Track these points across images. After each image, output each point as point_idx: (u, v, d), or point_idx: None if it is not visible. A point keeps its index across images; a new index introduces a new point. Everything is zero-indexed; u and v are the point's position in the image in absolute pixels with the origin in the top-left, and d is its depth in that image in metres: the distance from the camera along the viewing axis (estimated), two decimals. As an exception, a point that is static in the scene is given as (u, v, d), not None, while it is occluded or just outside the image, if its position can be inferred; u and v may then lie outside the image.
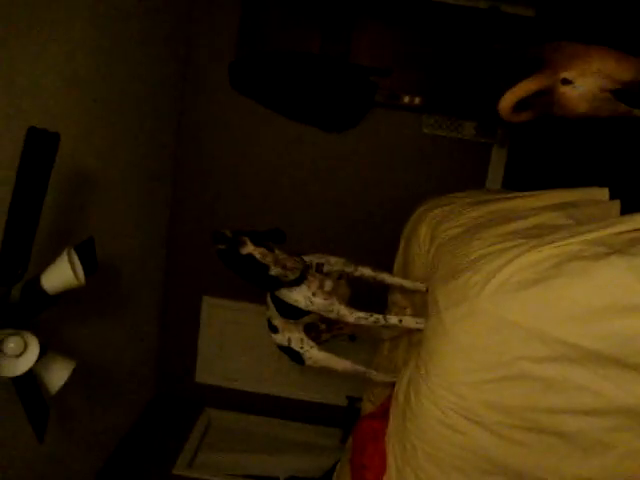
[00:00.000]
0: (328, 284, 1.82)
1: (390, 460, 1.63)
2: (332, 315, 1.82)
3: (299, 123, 3.24)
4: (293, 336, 1.99)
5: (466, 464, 1.39)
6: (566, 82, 1.67)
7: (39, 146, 1.46)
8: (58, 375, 1.68)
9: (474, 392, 1.33)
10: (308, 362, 2.03)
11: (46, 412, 1.73)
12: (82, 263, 1.63)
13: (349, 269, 1.91)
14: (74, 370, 1.72)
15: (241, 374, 3.54)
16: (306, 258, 1.82)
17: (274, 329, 2.00)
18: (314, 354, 2.02)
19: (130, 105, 2.58)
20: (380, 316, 1.86)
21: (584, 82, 1.65)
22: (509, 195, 2.01)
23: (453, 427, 1.38)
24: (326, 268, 1.86)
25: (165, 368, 3.58)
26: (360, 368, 2.10)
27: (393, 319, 1.88)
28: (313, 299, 1.77)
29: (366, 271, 1.95)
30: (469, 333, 1.35)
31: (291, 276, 1.73)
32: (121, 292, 2.83)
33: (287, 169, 3.33)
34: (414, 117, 3.23)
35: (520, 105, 1.82)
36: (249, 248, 1.62)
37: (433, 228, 2.01)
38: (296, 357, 2.04)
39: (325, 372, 2.16)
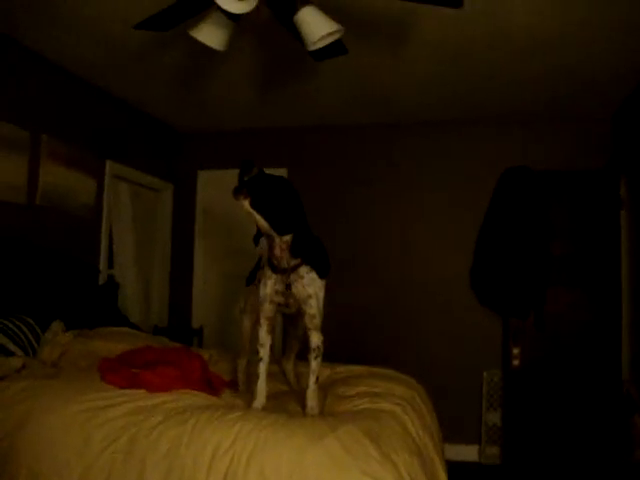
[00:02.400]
0: (279, 297, 1.93)
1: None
2: (259, 307, 1.97)
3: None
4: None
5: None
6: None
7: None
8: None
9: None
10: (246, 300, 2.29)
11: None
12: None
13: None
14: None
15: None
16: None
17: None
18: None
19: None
20: (263, 356, 1.95)
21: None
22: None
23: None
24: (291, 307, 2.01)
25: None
26: (245, 346, 2.29)
27: (262, 369, 1.94)
28: (268, 283, 1.91)
29: (313, 340, 1.97)
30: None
31: (282, 264, 1.86)
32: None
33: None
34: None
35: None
36: None
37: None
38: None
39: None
